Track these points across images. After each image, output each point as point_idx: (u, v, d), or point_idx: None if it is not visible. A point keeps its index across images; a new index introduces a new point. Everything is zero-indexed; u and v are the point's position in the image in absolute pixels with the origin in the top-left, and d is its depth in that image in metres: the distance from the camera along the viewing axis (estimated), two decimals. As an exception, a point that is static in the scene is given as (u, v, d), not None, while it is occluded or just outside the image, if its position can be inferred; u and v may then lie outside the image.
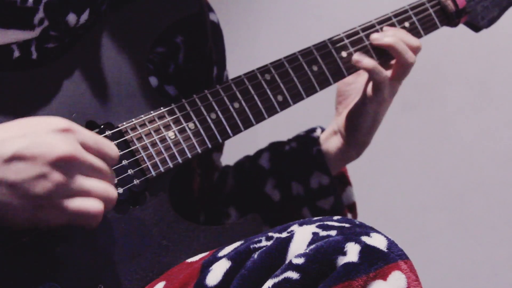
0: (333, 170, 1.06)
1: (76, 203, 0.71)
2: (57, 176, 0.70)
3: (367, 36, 1.03)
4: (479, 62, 1.84)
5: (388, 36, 1.01)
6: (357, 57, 1.01)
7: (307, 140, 1.07)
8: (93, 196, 0.73)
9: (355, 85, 1.06)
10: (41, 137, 0.71)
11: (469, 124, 1.86)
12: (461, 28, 1.13)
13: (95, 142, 0.74)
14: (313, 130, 1.09)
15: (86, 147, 0.73)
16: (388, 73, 1.01)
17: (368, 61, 1.00)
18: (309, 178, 1.05)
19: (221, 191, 1.09)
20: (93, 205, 0.72)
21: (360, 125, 1.03)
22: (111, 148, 0.76)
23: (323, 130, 1.09)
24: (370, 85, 1.02)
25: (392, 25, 1.04)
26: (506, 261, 1.84)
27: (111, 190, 0.74)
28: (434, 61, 1.82)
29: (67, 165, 0.71)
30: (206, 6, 1.02)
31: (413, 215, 1.87)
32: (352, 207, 1.09)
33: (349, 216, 1.08)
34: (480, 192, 1.85)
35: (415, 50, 1.02)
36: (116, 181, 0.83)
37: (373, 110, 1.02)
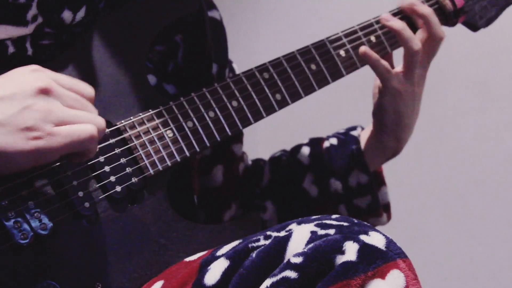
0: (372, 168, 1.07)
1: (67, 128, 0.73)
2: (41, 104, 0.71)
3: (365, 35, 1.03)
4: (479, 62, 1.84)
5: (396, 21, 1.01)
6: (364, 48, 1.00)
7: (347, 138, 1.08)
8: (82, 120, 0.74)
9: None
10: (16, 77, 0.72)
11: (469, 124, 1.86)
12: (461, 28, 1.13)
13: (68, 80, 0.76)
14: (353, 128, 1.10)
15: (60, 82, 0.75)
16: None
17: (372, 53, 1.00)
18: (348, 176, 1.06)
19: (258, 185, 1.11)
20: (86, 127, 0.73)
21: (383, 121, 1.04)
22: (84, 85, 0.77)
23: (362, 129, 1.10)
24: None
25: None
26: (506, 261, 1.84)
27: (98, 118, 0.75)
28: (434, 61, 1.82)
29: (48, 95, 0.72)
30: (206, 4, 1.01)
31: (413, 215, 1.87)
32: (387, 207, 1.10)
33: (384, 216, 1.09)
34: (480, 192, 1.85)
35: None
36: (114, 179, 0.82)
37: (390, 104, 1.02)
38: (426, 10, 1.02)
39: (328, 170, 1.07)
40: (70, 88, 0.75)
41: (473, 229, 1.86)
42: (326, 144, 1.09)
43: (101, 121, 0.76)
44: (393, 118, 1.03)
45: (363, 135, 1.09)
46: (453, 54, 1.81)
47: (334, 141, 1.09)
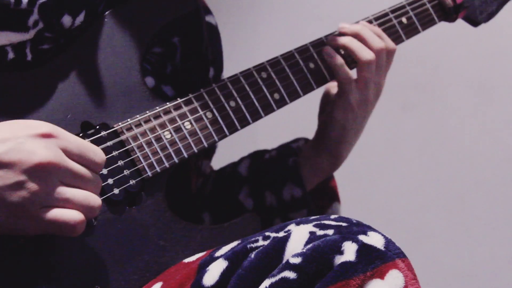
0: (310, 183, 1.02)
1: (53, 214, 0.70)
2: (33, 185, 0.69)
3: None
4: (479, 62, 1.84)
5: (344, 38, 0.98)
6: (330, 51, 0.98)
7: (286, 150, 1.04)
8: (72, 205, 0.71)
9: (332, 93, 1.03)
10: (21, 143, 0.69)
11: (469, 124, 1.86)
12: (461, 28, 1.12)
13: (78, 148, 0.73)
14: (296, 140, 1.06)
15: (68, 153, 0.72)
16: (355, 75, 0.98)
17: (338, 57, 0.97)
18: (282, 189, 1.02)
19: (200, 195, 1.08)
20: (71, 215, 0.70)
21: (327, 134, 1.00)
22: (96, 153, 0.75)
23: (307, 141, 1.06)
24: (337, 89, 0.99)
25: (389, 20, 1.04)
26: (506, 261, 1.84)
27: (92, 198, 0.73)
28: (434, 61, 1.82)
29: (45, 173, 0.69)
30: (202, 7, 1.01)
31: (413, 215, 1.87)
32: None
33: None
34: (480, 192, 1.85)
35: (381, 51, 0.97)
36: (112, 181, 0.82)
37: (340, 117, 0.98)
38: (344, 40, 0.98)
39: (264, 183, 1.03)
40: (80, 156, 0.73)
41: (473, 229, 1.86)
42: (266, 156, 1.06)
43: (94, 202, 0.73)
44: (337, 134, 0.99)
45: (305, 148, 1.04)
46: (453, 54, 1.81)
47: (274, 153, 1.05)
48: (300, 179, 1.01)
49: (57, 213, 0.70)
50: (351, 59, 0.99)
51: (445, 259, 1.86)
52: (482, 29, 1.12)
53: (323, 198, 1.05)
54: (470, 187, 1.85)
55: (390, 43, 1.00)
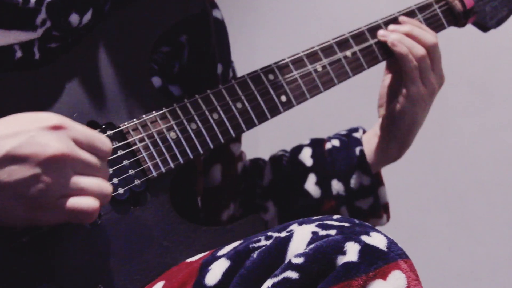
0: (374, 171, 1.07)
1: (71, 202, 0.71)
2: (49, 177, 0.70)
3: (373, 36, 1.02)
4: (479, 62, 1.83)
5: (393, 34, 1.01)
6: (393, 38, 1.00)
7: (350, 140, 1.08)
8: (87, 193, 0.72)
9: (394, 87, 1.05)
10: (32, 136, 0.70)
11: (469, 124, 1.85)
12: (462, 28, 1.12)
13: (87, 138, 0.74)
14: (355, 130, 1.10)
15: (78, 143, 0.73)
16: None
17: (403, 46, 1.00)
18: (350, 178, 1.06)
19: (258, 184, 1.11)
20: (88, 203, 0.72)
21: (398, 125, 1.03)
22: (103, 142, 0.75)
23: (364, 131, 1.10)
24: (403, 82, 1.01)
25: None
26: (506, 261, 1.82)
27: (105, 186, 0.74)
28: None
29: (59, 164, 0.70)
30: (209, 3, 1.01)
31: (413, 215, 1.86)
32: (385, 208, 1.10)
33: (384, 216, 1.09)
34: (480, 192, 1.84)
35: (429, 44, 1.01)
36: (117, 181, 0.82)
37: (410, 109, 1.01)
38: (394, 36, 1.01)
39: (331, 172, 1.06)
40: (88, 146, 0.74)
41: (473, 230, 1.85)
42: (328, 145, 1.09)
43: (107, 189, 0.74)
44: (407, 125, 1.03)
45: (366, 138, 1.08)
46: (453, 54, 1.79)
47: (336, 142, 1.09)
48: (368, 168, 1.05)
49: (74, 202, 0.71)
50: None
51: (446, 259, 1.85)
52: (491, 30, 1.12)
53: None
54: (470, 187, 1.85)
55: (432, 35, 1.03)
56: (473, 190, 1.85)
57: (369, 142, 1.07)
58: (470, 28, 1.12)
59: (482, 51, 1.80)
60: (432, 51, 1.02)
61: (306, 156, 1.09)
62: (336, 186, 1.06)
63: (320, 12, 1.88)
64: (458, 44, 1.73)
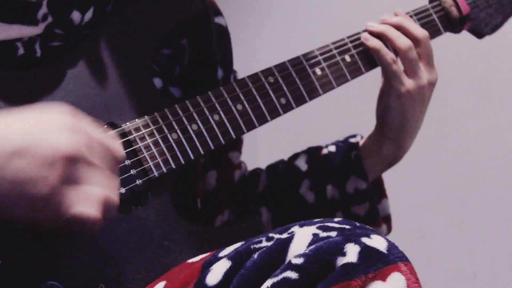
0: (372, 176, 1.05)
1: (73, 209, 0.69)
2: (56, 179, 0.68)
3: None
4: (479, 62, 1.84)
5: (380, 26, 1.02)
6: (366, 35, 1.01)
7: (346, 145, 1.06)
8: (92, 201, 0.70)
9: (383, 87, 1.05)
10: (46, 135, 0.68)
11: (469, 124, 1.86)
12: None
13: (101, 143, 0.72)
14: (353, 136, 1.09)
15: (91, 148, 0.71)
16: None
17: (374, 41, 1.00)
18: (346, 183, 1.04)
19: (253, 191, 1.09)
20: (91, 212, 0.70)
21: (387, 122, 1.02)
22: (116, 149, 0.74)
23: (362, 138, 1.08)
24: (385, 78, 1.01)
25: None
26: (506, 261, 1.83)
27: (112, 196, 0.72)
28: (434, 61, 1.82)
29: (69, 167, 0.69)
30: (212, 9, 1.02)
31: (413, 215, 1.86)
32: (387, 219, 1.08)
33: (384, 227, 1.07)
34: (480, 192, 1.84)
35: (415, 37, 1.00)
36: (123, 187, 0.83)
37: (396, 104, 1.00)
38: (381, 28, 1.02)
39: (325, 176, 1.05)
40: (102, 152, 0.72)
41: (473, 230, 1.85)
42: (325, 151, 1.08)
43: (114, 199, 0.72)
44: (397, 121, 1.01)
45: (363, 143, 1.07)
46: (453, 54, 1.81)
47: (332, 148, 1.08)
48: (364, 172, 1.03)
49: (78, 209, 0.69)
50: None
51: (446, 259, 1.85)
52: (485, 36, 1.13)
53: (374, 192, 1.07)
54: (470, 187, 1.85)
55: (421, 30, 1.02)
56: (473, 190, 1.85)
57: (365, 147, 1.06)
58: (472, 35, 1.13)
59: (482, 51, 1.81)
60: (421, 44, 1.01)
61: (301, 162, 1.08)
62: (331, 191, 1.05)
63: (321, 15, 1.88)
64: (458, 44, 1.74)
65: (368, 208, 1.04)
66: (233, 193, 1.09)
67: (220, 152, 1.06)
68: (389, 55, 1.00)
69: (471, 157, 1.86)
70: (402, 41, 1.00)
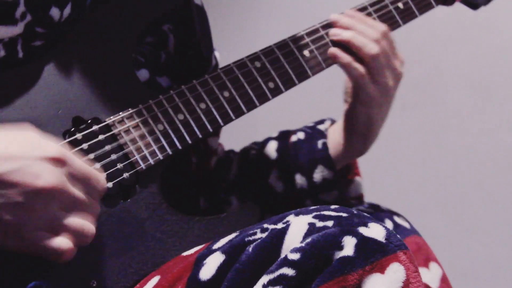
0: (339, 163, 1.03)
1: (44, 238, 0.70)
2: (32, 208, 0.69)
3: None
4: (478, 62, 1.83)
5: (347, 31, 0.97)
6: (334, 50, 0.97)
7: (314, 132, 1.05)
8: (67, 231, 0.71)
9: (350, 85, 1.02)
10: (28, 165, 0.69)
11: (468, 124, 1.85)
12: (461, 28, 1.10)
13: (83, 175, 0.73)
14: (321, 121, 1.07)
15: (72, 179, 0.72)
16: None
17: (343, 56, 0.97)
18: (313, 172, 1.03)
19: (224, 178, 1.08)
20: (62, 243, 0.71)
21: (354, 128, 1.00)
22: (98, 180, 0.75)
23: (333, 122, 1.07)
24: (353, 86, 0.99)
25: (386, 6, 1.02)
26: (506, 261, 1.84)
27: (87, 227, 0.73)
28: (433, 61, 1.81)
29: (46, 197, 0.69)
30: None
31: (413, 215, 1.87)
32: (359, 199, 1.07)
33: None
34: (480, 192, 1.85)
35: (379, 38, 0.97)
36: (105, 175, 0.81)
37: (364, 112, 0.98)
38: (348, 35, 0.97)
39: (294, 166, 1.04)
40: (83, 182, 0.73)
41: (473, 230, 1.86)
42: (294, 138, 1.06)
43: (88, 231, 0.73)
44: (362, 128, 1.00)
45: (332, 130, 1.05)
46: (453, 54, 1.80)
47: (301, 135, 1.06)
48: (331, 161, 1.02)
49: (49, 239, 0.70)
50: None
51: (446, 260, 1.86)
52: (482, 28, 1.11)
53: (345, 176, 1.06)
54: (470, 187, 1.85)
55: (379, 26, 0.98)
56: (473, 190, 1.86)
57: (334, 135, 1.04)
58: (470, 28, 1.11)
59: (482, 51, 1.79)
60: (383, 39, 0.97)
61: (271, 150, 1.06)
62: (300, 180, 1.03)
63: (321, 14, 1.86)
64: (458, 44, 1.73)
65: (337, 195, 1.03)
66: (208, 181, 1.08)
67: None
68: (358, 70, 0.96)
69: (471, 156, 1.86)
70: (368, 49, 0.96)
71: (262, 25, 1.93)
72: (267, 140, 1.08)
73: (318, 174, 1.02)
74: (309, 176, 1.03)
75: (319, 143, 1.03)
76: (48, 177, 0.69)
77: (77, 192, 0.72)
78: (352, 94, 0.99)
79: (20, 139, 0.71)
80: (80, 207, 0.72)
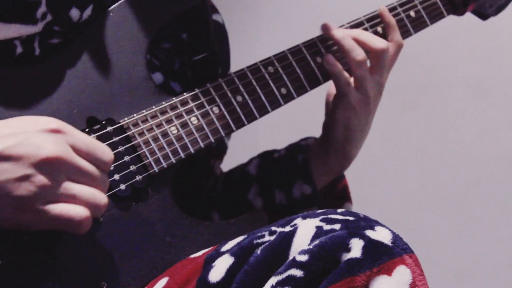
0: (320, 181, 1.01)
1: (58, 209, 0.70)
2: (41, 179, 0.68)
3: (372, 26, 1.01)
4: (478, 63, 1.83)
5: (339, 32, 0.97)
6: (330, 58, 0.97)
7: (295, 148, 1.03)
8: (78, 201, 0.71)
9: (331, 96, 1.01)
10: (29, 137, 0.69)
11: (468, 124, 1.85)
12: (461, 27, 1.11)
13: (86, 145, 0.73)
14: (305, 138, 1.05)
15: (76, 149, 0.72)
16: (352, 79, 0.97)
17: (337, 66, 0.96)
18: (292, 187, 1.01)
19: (209, 196, 1.07)
20: (77, 211, 0.70)
21: (331, 134, 0.99)
22: (104, 151, 0.74)
23: (316, 139, 1.05)
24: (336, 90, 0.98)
25: (398, 14, 1.03)
26: (506, 261, 1.83)
27: (98, 196, 0.72)
28: (433, 61, 1.81)
29: (53, 167, 0.69)
30: (209, 5, 1.00)
31: (413, 215, 1.86)
32: None
33: None
34: (480, 192, 1.84)
35: (377, 51, 0.96)
36: (118, 177, 0.82)
37: (342, 117, 0.97)
38: (338, 34, 0.96)
39: (273, 181, 1.02)
40: (87, 154, 0.72)
41: (473, 230, 1.85)
42: (276, 155, 1.05)
43: (100, 200, 0.73)
44: (341, 134, 0.98)
45: (314, 147, 1.03)
46: (453, 54, 1.80)
47: (283, 151, 1.05)
48: (310, 176, 1.00)
49: (62, 208, 0.70)
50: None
51: (446, 259, 1.85)
52: (482, 28, 1.11)
53: (334, 198, 1.04)
54: (470, 187, 1.85)
55: (398, 38, 0.99)
56: (473, 190, 1.85)
57: (315, 152, 1.02)
58: (469, 28, 1.11)
59: (482, 52, 1.79)
60: (377, 56, 0.97)
61: (252, 167, 1.06)
62: (278, 196, 1.02)
63: (323, 6, 1.87)
64: (458, 45, 1.73)
65: None
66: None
67: (202, 161, 1.04)
68: (345, 77, 0.96)
69: (470, 156, 1.86)
70: (356, 54, 0.95)
71: (264, 26, 1.94)
72: (251, 158, 1.08)
73: (297, 189, 1.01)
74: (287, 192, 1.01)
75: (299, 158, 1.02)
76: (51, 146, 0.69)
77: (83, 161, 0.72)
78: (333, 102, 0.98)
79: (18, 119, 0.72)
80: (88, 177, 0.72)
